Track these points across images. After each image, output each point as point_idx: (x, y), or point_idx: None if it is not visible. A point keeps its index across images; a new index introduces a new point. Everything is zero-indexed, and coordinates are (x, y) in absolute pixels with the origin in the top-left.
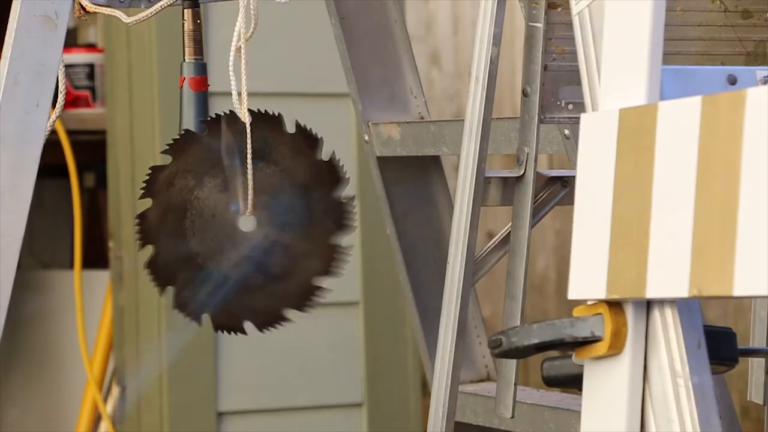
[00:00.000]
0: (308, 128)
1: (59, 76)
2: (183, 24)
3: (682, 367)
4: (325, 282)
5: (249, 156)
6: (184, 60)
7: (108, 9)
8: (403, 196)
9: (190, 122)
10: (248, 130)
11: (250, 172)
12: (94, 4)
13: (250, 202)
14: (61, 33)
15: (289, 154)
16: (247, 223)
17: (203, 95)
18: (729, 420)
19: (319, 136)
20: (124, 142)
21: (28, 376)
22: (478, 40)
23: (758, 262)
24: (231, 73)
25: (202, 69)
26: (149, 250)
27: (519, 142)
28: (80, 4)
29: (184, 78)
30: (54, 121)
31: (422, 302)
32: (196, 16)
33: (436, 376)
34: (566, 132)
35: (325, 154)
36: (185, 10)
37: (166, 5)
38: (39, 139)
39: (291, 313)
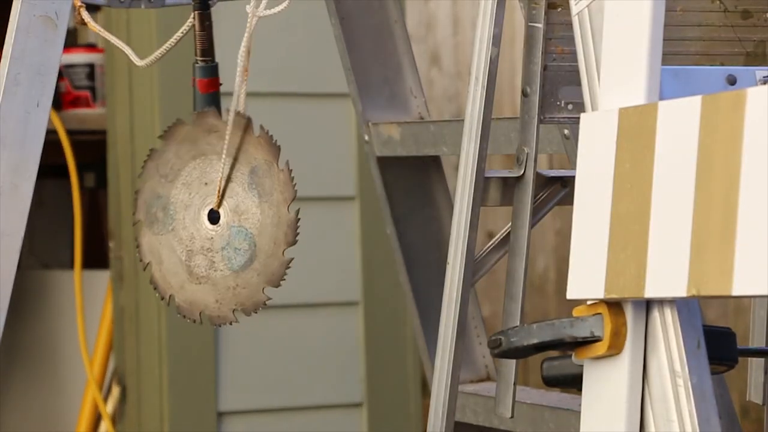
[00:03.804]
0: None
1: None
2: (194, 26)
3: (682, 367)
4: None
5: (224, 154)
6: (197, 62)
7: (117, 41)
8: (403, 196)
9: None
10: (228, 130)
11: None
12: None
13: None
14: (61, 33)
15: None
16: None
17: (212, 96)
18: (729, 420)
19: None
20: (124, 142)
21: (28, 376)
22: (478, 40)
23: (757, 262)
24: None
25: (210, 71)
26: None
27: (519, 142)
28: (80, 15)
29: (195, 79)
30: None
31: (422, 302)
32: (204, 18)
33: (436, 376)
34: (566, 132)
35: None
36: (194, 13)
37: (177, 41)
38: (39, 139)
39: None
